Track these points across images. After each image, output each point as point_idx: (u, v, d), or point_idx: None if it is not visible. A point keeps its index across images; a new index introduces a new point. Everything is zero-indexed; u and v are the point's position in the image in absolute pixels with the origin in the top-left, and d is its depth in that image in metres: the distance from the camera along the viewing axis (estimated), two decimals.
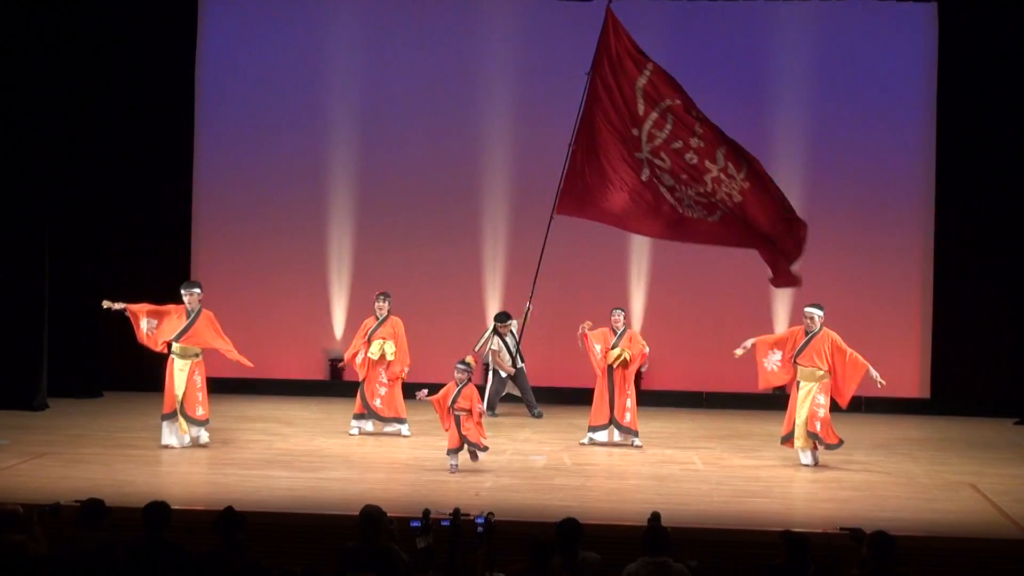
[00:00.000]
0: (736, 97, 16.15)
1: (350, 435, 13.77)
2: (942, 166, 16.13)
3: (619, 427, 13.48)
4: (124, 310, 13.01)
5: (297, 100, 16.74)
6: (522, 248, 16.14)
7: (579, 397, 15.10)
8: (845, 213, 16.23)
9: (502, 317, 15.50)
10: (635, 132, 12.65)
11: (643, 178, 12.75)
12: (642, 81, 12.67)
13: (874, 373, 12.49)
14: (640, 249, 16.39)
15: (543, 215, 13.94)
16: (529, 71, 16.47)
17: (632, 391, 13.55)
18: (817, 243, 16.11)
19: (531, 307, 14.29)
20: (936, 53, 16.06)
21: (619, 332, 13.61)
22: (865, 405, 15.77)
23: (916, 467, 12.74)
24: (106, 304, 13.05)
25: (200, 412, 12.98)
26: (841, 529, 9.71)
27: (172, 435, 12.90)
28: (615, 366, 13.50)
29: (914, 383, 16.26)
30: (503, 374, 15.42)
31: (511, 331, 15.34)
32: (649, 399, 14.68)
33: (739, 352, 12.89)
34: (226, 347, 13.11)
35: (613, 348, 13.54)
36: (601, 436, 13.58)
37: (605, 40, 12.89)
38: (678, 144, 12.53)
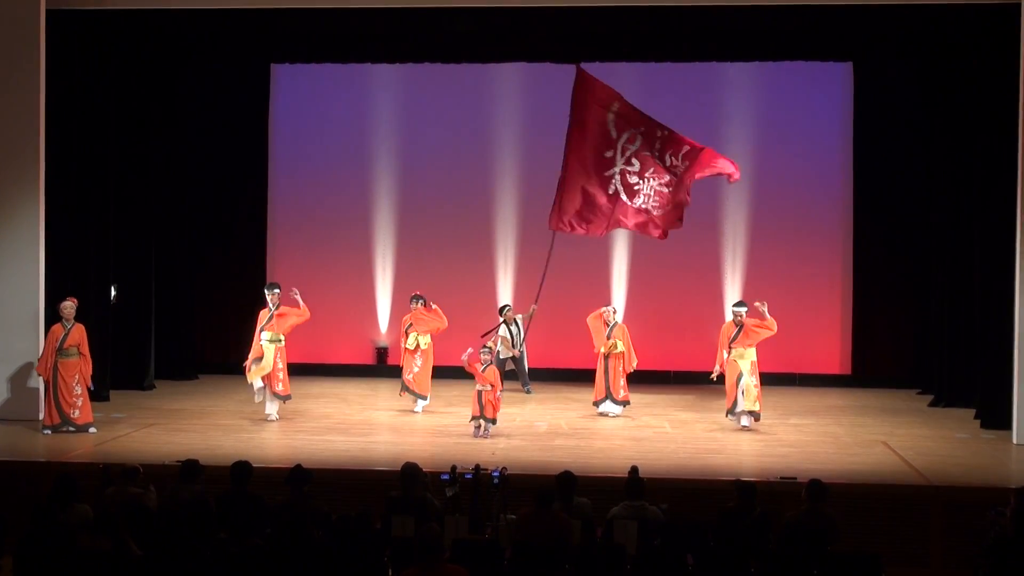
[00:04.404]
0: (695, 138, 16.15)
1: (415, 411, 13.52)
2: (859, 191, 15.99)
3: (613, 400, 13.36)
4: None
5: (350, 142, 16.68)
6: (524, 258, 16.15)
7: (574, 376, 15.07)
8: (783, 230, 16.10)
9: (503, 309, 15.35)
10: (608, 154, 13.48)
11: (609, 191, 13.54)
12: (611, 115, 13.47)
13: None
14: (620, 257, 16.34)
15: (539, 233, 14.04)
16: (527, 120, 16.35)
17: (624, 372, 13.41)
18: (763, 253, 16.20)
19: (535, 307, 14.28)
20: (852, 98, 15.95)
21: (611, 325, 13.48)
22: (799, 380, 15.78)
23: (839, 428, 12.71)
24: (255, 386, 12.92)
25: (280, 388, 12.84)
26: (781, 478, 9.75)
27: (267, 404, 12.79)
28: (609, 354, 13.36)
29: (838, 361, 16.16)
30: (503, 355, 15.02)
31: (514, 320, 15.17)
32: (629, 376, 14.58)
33: (714, 376, 12.79)
34: (300, 314, 12.88)
35: (608, 339, 13.41)
36: (601, 408, 13.41)
37: (576, 94, 13.57)
38: (647, 152, 13.41)
